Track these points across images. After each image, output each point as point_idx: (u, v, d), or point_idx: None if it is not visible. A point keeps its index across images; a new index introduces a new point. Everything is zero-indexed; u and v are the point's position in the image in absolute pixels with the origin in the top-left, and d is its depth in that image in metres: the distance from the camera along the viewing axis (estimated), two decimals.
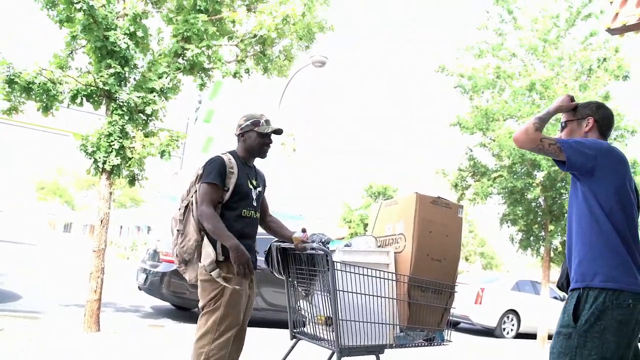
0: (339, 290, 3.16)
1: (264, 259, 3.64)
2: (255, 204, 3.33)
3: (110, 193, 6.34)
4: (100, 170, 6.21)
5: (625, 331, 2.25)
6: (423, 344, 3.65)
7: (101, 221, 6.24)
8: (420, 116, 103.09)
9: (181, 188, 3.51)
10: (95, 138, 6.10)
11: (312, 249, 3.22)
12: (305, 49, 7.82)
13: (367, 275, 3.29)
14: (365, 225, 33.48)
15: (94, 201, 8.82)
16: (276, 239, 3.58)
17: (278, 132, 3.39)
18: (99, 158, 6.08)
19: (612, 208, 2.37)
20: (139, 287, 8.85)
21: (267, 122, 3.38)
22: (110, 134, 6.07)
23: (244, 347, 3.35)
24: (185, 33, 6.39)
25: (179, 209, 3.26)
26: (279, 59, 7.48)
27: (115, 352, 5.14)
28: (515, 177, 17.52)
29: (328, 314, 3.31)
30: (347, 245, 3.57)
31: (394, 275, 3.46)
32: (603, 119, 2.60)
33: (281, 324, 8.22)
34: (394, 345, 3.45)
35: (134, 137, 6.20)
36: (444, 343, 3.75)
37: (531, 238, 12.51)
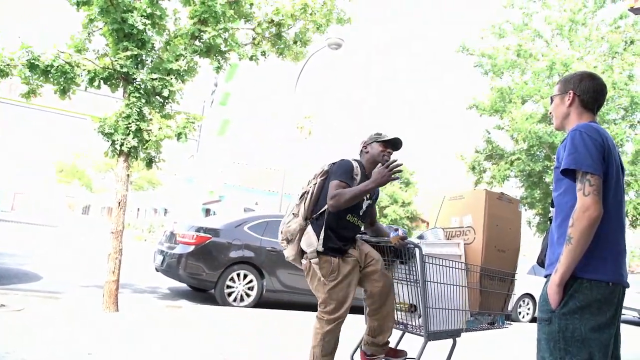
0: (428, 281, 3.51)
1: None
2: (362, 213, 3.62)
3: (128, 175, 6.37)
4: (118, 152, 6.25)
5: (605, 309, 2.13)
6: (488, 327, 4.02)
7: (119, 203, 6.29)
8: (437, 99, 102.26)
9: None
10: (112, 120, 6.13)
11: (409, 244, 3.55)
12: (320, 33, 7.69)
13: (451, 267, 3.67)
14: (381, 209, 33.55)
15: (112, 184, 8.87)
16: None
17: (397, 143, 3.67)
18: (117, 140, 6.12)
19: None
20: (156, 268, 8.95)
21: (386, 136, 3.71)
22: (127, 116, 6.10)
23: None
24: (202, 15, 6.36)
25: (299, 194, 3.64)
26: (295, 46, 7.40)
27: (134, 332, 5.22)
28: (533, 160, 17.32)
29: (411, 302, 3.72)
30: (420, 237, 3.95)
31: (471, 266, 3.82)
32: (585, 92, 2.41)
33: (298, 307, 8.28)
34: (464, 329, 3.79)
35: (151, 119, 6.22)
36: (505, 326, 4.15)
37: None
